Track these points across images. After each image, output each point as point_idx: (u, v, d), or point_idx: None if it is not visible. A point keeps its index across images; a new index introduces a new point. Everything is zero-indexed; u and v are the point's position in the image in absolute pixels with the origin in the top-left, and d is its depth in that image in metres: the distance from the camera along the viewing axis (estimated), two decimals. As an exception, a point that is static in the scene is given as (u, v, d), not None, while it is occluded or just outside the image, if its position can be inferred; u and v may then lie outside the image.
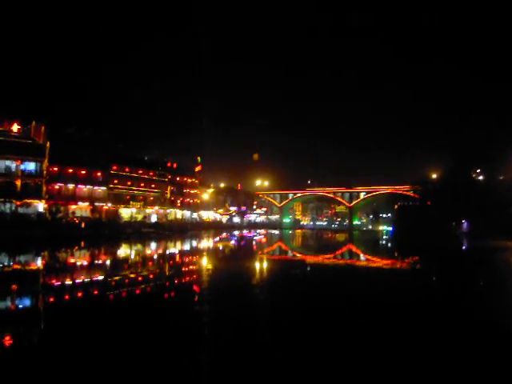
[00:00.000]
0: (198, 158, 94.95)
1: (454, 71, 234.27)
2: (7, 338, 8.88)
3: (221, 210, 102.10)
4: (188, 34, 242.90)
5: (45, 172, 53.00)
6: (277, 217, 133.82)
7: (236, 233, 76.41)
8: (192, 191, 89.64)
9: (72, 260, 27.01)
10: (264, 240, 58.70)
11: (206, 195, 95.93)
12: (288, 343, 8.41)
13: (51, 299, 13.94)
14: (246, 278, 17.96)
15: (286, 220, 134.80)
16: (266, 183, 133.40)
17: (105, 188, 63.44)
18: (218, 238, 56.36)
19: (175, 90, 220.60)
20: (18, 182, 50.41)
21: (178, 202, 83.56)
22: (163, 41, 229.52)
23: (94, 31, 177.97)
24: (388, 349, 8.10)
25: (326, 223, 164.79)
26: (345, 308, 11.81)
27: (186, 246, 41.53)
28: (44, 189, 52.70)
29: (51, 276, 19.63)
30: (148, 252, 34.58)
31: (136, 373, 6.79)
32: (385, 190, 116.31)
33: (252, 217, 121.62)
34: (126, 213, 67.64)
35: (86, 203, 59.72)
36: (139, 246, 38.75)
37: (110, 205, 63.81)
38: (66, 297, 14.26)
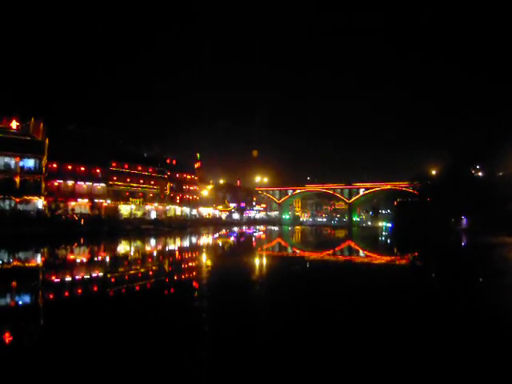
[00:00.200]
0: (198, 155, 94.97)
1: (454, 71, 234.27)
2: (7, 334, 8.89)
3: (220, 207, 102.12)
4: (188, 33, 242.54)
5: (44, 169, 52.97)
6: (276, 213, 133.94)
7: (235, 229, 76.44)
8: (191, 188, 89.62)
9: (72, 257, 27.01)
10: (263, 236, 58.73)
11: (206, 192, 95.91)
12: (288, 339, 8.42)
13: (51, 296, 13.94)
14: (246, 275, 17.99)
15: (286, 216, 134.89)
16: (266, 180, 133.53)
17: (104, 185, 63.42)
18: (217, 235, 56.38)
19: (175, 88, 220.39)
20: (17, 179, 50.37)
21: (178, 198, 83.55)
22: (164, 40, 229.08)
23: (95, 29, 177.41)
24: (387, 344, 8.12)
25: (325, 220, 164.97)
26: (344, 304, 11.83)
27: (186, 243, 41.55)
28: (43, 185, 52.69)
29: (51, 273, 19.63)
30: (147, 248, 34.59)
31: (136, 368, 6.80)
32: (384, 186, 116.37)
33: (251, 213, 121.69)
34: (125, 209, 67.67)
35: (86, 200, 59.74)
36: (139, 243, 38.77)
37: (109, 201, 63.81)
38: (66, 293, 14.27)
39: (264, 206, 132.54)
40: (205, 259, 25.33)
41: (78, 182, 59.01)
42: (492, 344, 8.29)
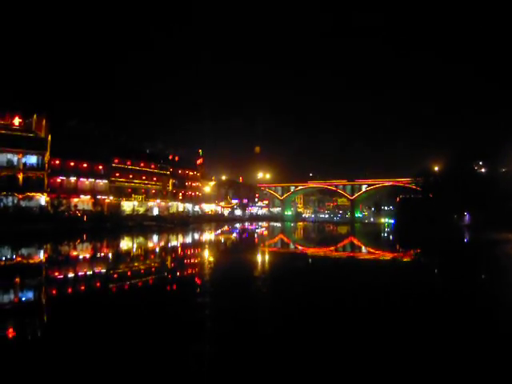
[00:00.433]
0: (200, 151, 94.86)
1: (453, 70, 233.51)
2: (13, 328, 8.94)
3: (222, 203, 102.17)
4: (188, 33, 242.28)
5: (46, 165, 53.07)
6: (278, 209, 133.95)
7: (238, 225, 76.53)
8: (194, 184, 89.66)
9: (75, 253, 27.10)
10: (266, 233, 58.78)
11: (208, 188, 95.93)
12: (289, 335, 8.44)
13: (54, 291, 14.01)
14: (248, 271, 18.00)
15: (288, 213, 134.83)
16: (268, 176, 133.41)
17: (106, 181, 63.51)
18: (219, 231, 56.46)
19: (177, 86, 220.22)
20: (20, 176, 50.49)
21: (180, 194, 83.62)
22: (163, 39, 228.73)
23: (98, 26, 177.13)
24: (387, 341, 8.13)
25: (327, 216, 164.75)
26: (346, 301, 11.84)
27: (188, 239, 41.61)
28: (46, 182, 52.80)
29: (54, 269, 19.70)
30: (150, 245, 34.66)
31: (138, 364, 6.83)
32: (386, 182, 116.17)
33: (254, 209, 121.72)
34: (127, 206, 67.78)
35: (88, 196, 59.86)
36: (141, 239, 38.85)
37: (111, 198, 63.92)
38: (70, 289, 14.33)
39: (266, 202, 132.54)
40: (207, 256, 25.37)
41: (81, 179, 59.10)
42: (494, 340, 8.31)
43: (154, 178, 75.26)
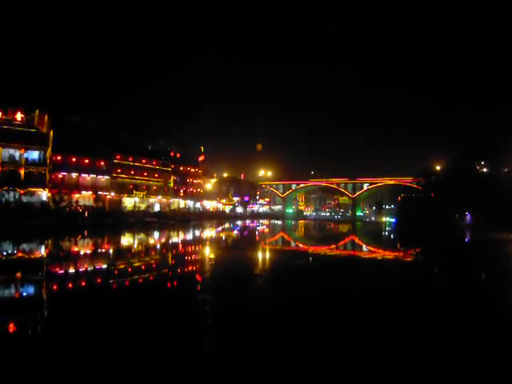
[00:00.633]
0: (202, 148, 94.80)
1: (454, 70, 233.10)
2: (12, 324, 8.96)
3: (224, 200, 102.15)
4: (189, 33, 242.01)
5: (48, 161, 53.11)
6: (280, 207, 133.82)
7: (239, 223, 76.55)
8: (195, 181, 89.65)
9: (76, 249, 27.16)
10: (267, 230, 58.81)
11: (209, 185, 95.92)
12: (290, 332, 8.45)
13: (55, 287, 14.04)
14: (249, 268, 18.01)
15: (289, 210, 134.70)
16: (269, 174, 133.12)
17: (108, 177, 63.55)
18: (220, 228, 56.51)
19: (179, 83, 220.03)
20: (22, 171, 50.55)
21: (181, 191, 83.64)
22: (166, 37, 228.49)
23: (100, 23, 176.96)
24: (388, 341, 8.13)
25: (328, 214, 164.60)
26: (346, 300, 11.84)
27: (189, 236, 41.66)
28: (47, 177, 52.85)
29: (55, 264, 19.74)
30: (151, 241, 34.71)
31: (139, 360, 6.84)
32: (388, 181, 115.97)
33: (255, 207, 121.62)
34: (129, 202, 67.85)
35: (90, 192, 59.90)
36: (142, 236, 38.90)
37: (113, 194, 63.97)
38: (71, 285, 14.35)
39: (267, 199, 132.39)
40: (208, 252, 25.39)
41: (82, 175, 59.17)
42: (493, 338, 8.30)
43: (156, 175, 75.27)
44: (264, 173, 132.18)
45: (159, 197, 75.42)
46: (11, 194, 48.89)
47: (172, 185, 79.82)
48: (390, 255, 26.65)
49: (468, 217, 66.78)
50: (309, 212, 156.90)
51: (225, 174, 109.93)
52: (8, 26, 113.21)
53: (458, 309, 10.92)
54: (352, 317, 9.71)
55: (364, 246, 34.92)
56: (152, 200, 73.50)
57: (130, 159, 69.34)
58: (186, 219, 68.91)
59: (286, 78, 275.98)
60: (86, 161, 59.82)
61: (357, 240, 42.20)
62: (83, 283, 14.77)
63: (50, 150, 53.24)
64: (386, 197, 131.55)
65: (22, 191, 49.52)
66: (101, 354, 7.12)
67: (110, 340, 7.88)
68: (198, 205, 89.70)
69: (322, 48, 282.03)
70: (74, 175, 58.17)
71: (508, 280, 16.62)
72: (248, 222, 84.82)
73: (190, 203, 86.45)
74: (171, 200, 79.38)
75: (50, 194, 52.47)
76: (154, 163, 75.33)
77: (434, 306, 11.23)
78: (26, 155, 51.14)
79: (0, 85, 56.95)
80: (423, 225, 56.36)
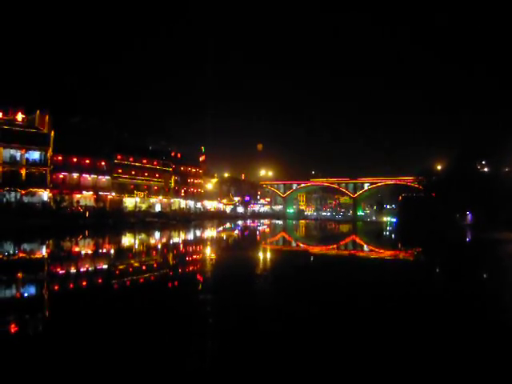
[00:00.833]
0: (202, 148, 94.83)
1: (454, 70, 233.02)
2: (13, 324, 8.97)
3: (225, 200, 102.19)
4: (189, 33, 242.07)
5: (49, 161, 53.22)
6: (280, 207, 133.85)
7: (240, 223, 76.56)
8: (196, 181, 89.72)
9: (77, 249, 27.17)
10: (268, 230, 58.80)
11: (210, 185, 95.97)
12: (291, 331, 8.45)
13: (56, 287, 14.04)
14: (250, 268, 18.00)
15: (290, 210, 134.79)
16: (270, 173, 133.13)
17: (109, 177, 63.61)
18: (221, 228, 56.52)
19: (179, 83, 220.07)
20: (23, 171, 50.65)
21: (182, 191, 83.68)
22: (167, 36, 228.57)
23: (101, 24, 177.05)
24: (388, 341, 8.13)
25: (329, 214, 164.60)
26: (346, 299, 11.84)
27: (190, 236, 41.66)
28: (48, 178, 52.97)
29: (56, 264, 19.75)
30: (152, 241, 34.72)
31: (140, 360, 6.85)
32: (389, 181, 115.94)
33: (256, 207, 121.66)
34: (130, 202, 67.93)
35: (91, 192, 59.98)
36: (143, 236, 38.91)
37: (114, 194, 64.04)
38: (72, 284, 14.36)
39: (268, 199, 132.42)
40: (209, 252, 25.39)
41: (83, 175, 59.25)
42: (493, 338, 8.30)
43: (157, 175, 75.32)
44: (265, 173, 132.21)
45: (160, 197, 75.47)
46: (12, 194, 48.99)
47: (173, 185, 79.88)
48: (390, 255, 26.63)
49: (469, 216, 66.71)
50: (310, 212, 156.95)
51: (225, 174, 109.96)
52: (9, 26, 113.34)
53: (459, 309, 10.92)
54: (352, 316, 9.71)
55: (365, 246, 34.90)
56: (153, 200, 73.57)
57: (131, 159, 69.41)
58: (186, 219, 68.95)
59: (286, 78, 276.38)
60: (87, 161, 59.90)
61: (358, 240, 42.16)
62: (84, 283, 14.77)
63: (50, 150, 53.33)
64: (387, 197, 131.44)
65: (23, 191, 49.61)
66: (102, 354, 7.12)
67: (111, 340, 7.88)
68: (198, 205, 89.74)
69: (321, 48, 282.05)
70: (75, 175, 58.25)
71: (509, 280, 16.60)
72: (249, 221, 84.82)
73: (190, 203, 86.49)
74: (172, 200, 79.43)
75: (51, 195, 52.57)
76: (155, 163, 75.38)
77: (434, 305, 11.22)
78: (26, 155, 51.25)
79: (1, 85, 57.05)
80: (424, 224, 56.29)
